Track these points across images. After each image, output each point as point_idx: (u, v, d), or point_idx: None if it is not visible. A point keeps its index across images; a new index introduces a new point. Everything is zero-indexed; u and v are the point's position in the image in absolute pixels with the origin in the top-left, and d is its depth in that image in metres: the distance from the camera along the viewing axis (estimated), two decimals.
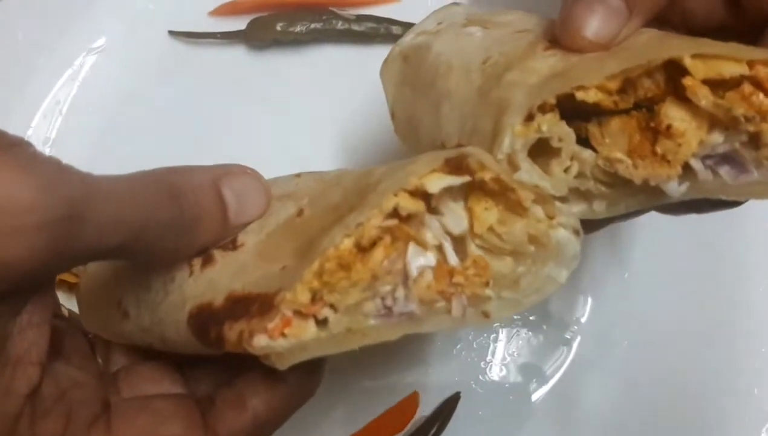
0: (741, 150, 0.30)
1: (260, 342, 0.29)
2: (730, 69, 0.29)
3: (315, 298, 0.30)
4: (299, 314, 0.30)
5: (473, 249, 0.31)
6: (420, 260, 0.31)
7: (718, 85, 0.30)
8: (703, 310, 0.57)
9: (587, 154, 0.31)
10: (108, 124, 0.62)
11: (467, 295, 0.31)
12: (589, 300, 0.58)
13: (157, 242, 0.31)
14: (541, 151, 0.32)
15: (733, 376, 0.55)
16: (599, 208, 0.32)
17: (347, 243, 0.29)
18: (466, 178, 0.30)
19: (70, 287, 0.55)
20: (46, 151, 0.61)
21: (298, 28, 0.62)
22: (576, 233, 0.31)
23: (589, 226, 0.33)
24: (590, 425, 0.56)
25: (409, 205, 0.29)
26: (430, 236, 0.31)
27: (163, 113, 0.62)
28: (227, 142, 0.61)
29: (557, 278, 0.32)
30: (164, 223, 0.31)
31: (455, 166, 0.30)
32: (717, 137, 0.30)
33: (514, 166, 0.31)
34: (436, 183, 0.29)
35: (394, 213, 0.30)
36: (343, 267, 0.30)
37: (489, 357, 0.57)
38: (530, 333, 0.58)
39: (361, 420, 0.55)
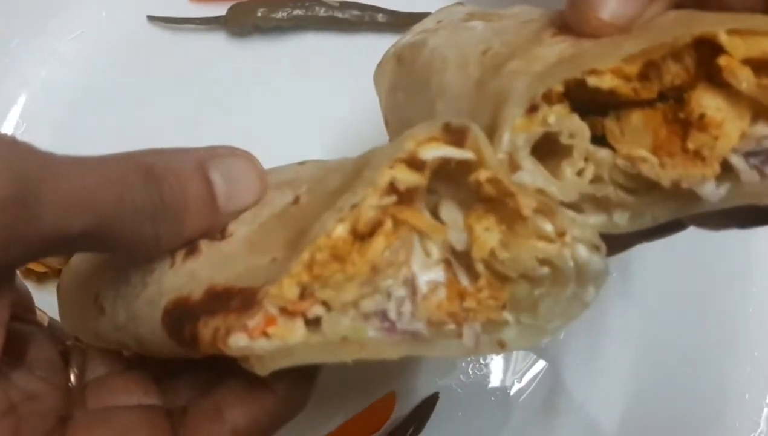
0: None
1: (238, 342, 0.25)
2: None
3: (304, 293, 0.26)
4: (286, 311, 0.26)
5: (481, 268, 0.27)
6: (429, 275, 0.27)
7: (761, 68, 0.25)
8: (691, 309, 0.55)
9: (604, 153, 0.26)
10: (86, 109, 0.61)
11: (481, 321, 0.27)
12: None
13: (132, 229, 0.27)
14: (548, 152, 0.27)
15: (723, 378, 0.54)
16: (621, 221, 0.27)
17: (341, 230, 0.25)
18: (467, 155, 0.25)
19: (39, 278, 0.53)
20: (21, 137, 0.59)
21: (279, 15, 0.60)
22: (595, 248, 0.26)
23: (613, 246, 0.28)
24: (573, 425, 0.54)
25: (406, 177, 0.25)
26: (435, 250, 0.27)
27: (141, 99, 0.61)
28: (207, 130, 0.59)
29: (584, 297, 0.27)
30: (139, 207, 0.27)
31: (456, 136, 0.25)
32: (763, 129, 0.24)
33: (515, 168, 0.26)
34: (432, 151, 0.25)
35: (392, 189, 0.25)
36: (337, 258, 0.25)
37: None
38: None
39: (334, 421, 0.53)
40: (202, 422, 0.30)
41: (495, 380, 0.55)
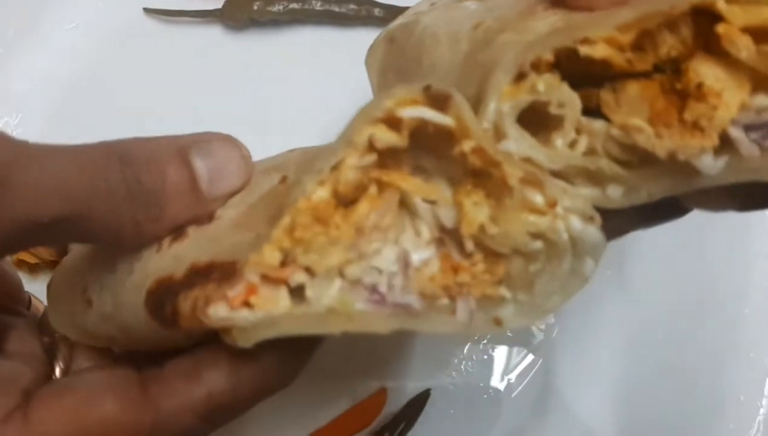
0: None
1: (218, 312, 0.24)
2: None
3: (287, 260, 0.25)
4: (268, 279, 0.24)
5: (471, 246, 0.26)
6: (421, 254, 0.26)
7: (760, 37, 0.24)
8: (687, 309, 0.54)
9: (598, 124, 0.25)
10: (81, 101, 0.60)
11: (475, 296, 0.26)
12: None
13: (109, 215, 0.27)
14: (540, 128, 0.26)
15: (718, 379, 0.52)
16: (615, 195, 0.25)
17: (322, 192, 0.24)
18: (446, 120, 0.24)
19: (31, 269, 0.53)
20: (15, 131, 0.60)
21: (275, 8, 0.60)
22: (589, 218, 0.25)
23: (609, 231, 0.27)
24: (565, 423, 0.53)
25: (385, 135, 0.24)
26: (425, 229, 0.26)
27: (137, 92, 0.60)
28: (202, 122, 0.58)
29: (582, 271, 0.25)
30: (115, 193, 0.27)
31: (437, 101, 0.24)
32: (763, 100, 0.23)
33: (501, 137, 0.25)
34: (411, 111, 0.24)
35: (372, 148, 0.24)
36: (319, 221, 0.24)
37: (461, 353, 0.54)
38: None
39: (325, 416, 0.52)
40: (177, 381, 0.28)
41: (487, 378, 0.54)
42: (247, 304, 0.25)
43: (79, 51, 0.61)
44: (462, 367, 0.54)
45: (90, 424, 0.28)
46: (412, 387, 0.53)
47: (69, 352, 0.35)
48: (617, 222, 0.29)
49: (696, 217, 0.31)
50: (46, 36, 0.61)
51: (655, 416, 0.52)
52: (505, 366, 0.54)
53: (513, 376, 0.54)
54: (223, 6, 0.61)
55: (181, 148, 0.29)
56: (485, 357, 0.54)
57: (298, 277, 0.25)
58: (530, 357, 0.54)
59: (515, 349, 0.54)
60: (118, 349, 0.36)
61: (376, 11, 0.61)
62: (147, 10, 0.62)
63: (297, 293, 0.25)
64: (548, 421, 0.53)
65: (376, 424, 0.52)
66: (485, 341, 0.54)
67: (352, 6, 0.60)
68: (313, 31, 0.62)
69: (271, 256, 0.24)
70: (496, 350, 0.54)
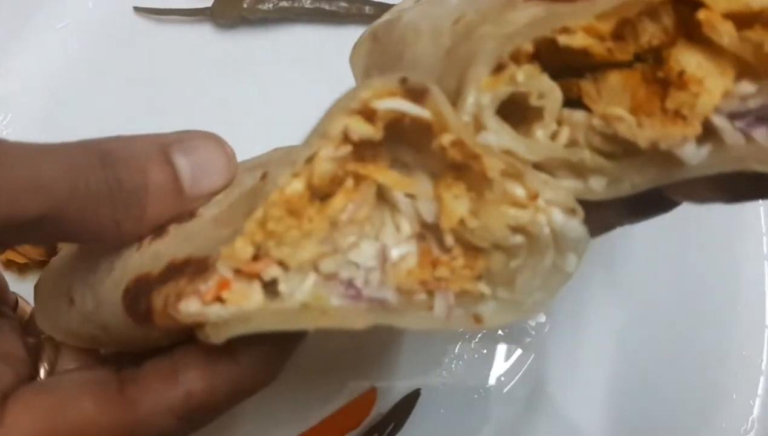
0: None
1: (189, 307, 0.24)
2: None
3: (259, 254, 0.24)
4: (240, 273, 0.24)
5: (451, 241, 0.25)
6: (401, 248, 0.26)
7: (742, 22, 0.23)
8: (679, 307, 0.53)
9: (580, 115, 0.25)
10: (71, 100, 0.60)
11: (454, 291, 0.25)
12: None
13: (89, 214, 0.27)
14: (521, 121, 0.26)
15: (710, 378, 0.52)
16: (598, 186, 0.25)
17: (297, 185, 0.24)
18: (422, 112, 0.24)
19: (20, 269, 0.53)
20: (5, 131, 0.60)
21: (265, 6, 0.60)
22: (572, 211, 0.24)
23: (596, 225, 0.26)
24: (556, 422, 0.52)
25: (360, 127, 0.24)
26: (406, 224, 0.26)
27: (127, 90, 0.60)
28: (192, 121, 0.57)
29: (564, 267, 0.25)
30: (95, 192, 0.26)
31: (414, 93, 0.24)
32: (747, 87, 0.23)
33: (480, 129, 0.24)
34: (386, 102, 0.24)
35: (347, 140, 0.24)
36: (292, 213, 0.24)
37: (452, 352, 0.54)
38: None
39: (314, 416, 0.52)
40: (155, 383, 0.28)
41: (478, 377, 0.53)
42: (219, 299, 0.24)
43: (69, 50, 0.61)
44: (453, 366, 0.54)
45: (66, 425, 0.28)
46: (402, 387, 0.53)
47: (54, 353, 0.35)
48: (603, 216, 0.28)
49: (687, 214, 0.31)
50: (37, 35, 0.61)
51: (647, 414, 0.52)
52: (495, 365, 0.53)
53: (504, 375, 0.53)
54: (213, 4, 0.61)
55: (164, 147, 0.29)
56: (476, 356, 0.54)
57: (271, 271, 0.24)
58: (521, 356, 0.54)
59: (506, 348, 0.54)
60: (104, 350, 0.36)
61: (367, 9, 0.60)
62: (137, 9, 0.62)
63: (271, 288, 0.25)
64: (539, 420, 0.52)
65: (365, 424, 0.52)
66: (476, 340, 0.54)
67: (343, 4, 0.60)
68: (303, 29, 0.62)
69: (243, 249, 0.24)
70: (486, 349, 0.54)
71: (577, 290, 0.54)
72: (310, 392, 0.52)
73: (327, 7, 0.60)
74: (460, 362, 0.54)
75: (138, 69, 0.61)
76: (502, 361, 0.54)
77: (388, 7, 0.61)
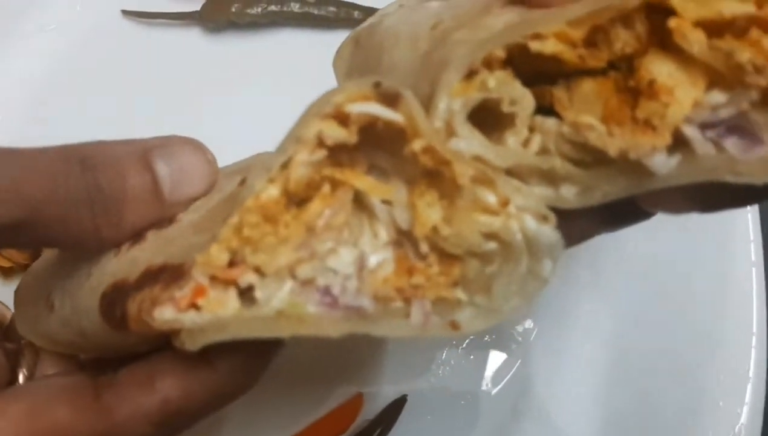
0: (752, 114, 0.23)
1: (164, 314, 0.24)
2: (732, 7, 0.22)
3: (235, 260, 0.24)
4: (216, 280, 0.24)
5: (426, 248, 0.25)
6: (378, 255, 0.26)
7: (714, 31, 0.23)
8: (666, 314, 0.53)
9: (551, 122, 0.24)
10: (59, 103, 0.60)
11: (430, 298, 0.25)
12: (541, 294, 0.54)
13: (68, 220, 0.26)
14: (494, 128, 0.26)
15: (697, 385, 0.52)
16: (568, 195, 0.25)
17: (272, 191, 0.24)
18: (395, 116, 0.24)
19: (5, 273, 0.53)
20: None
21: (254, 10, 0.60)
22: (543, 218, 0.24)
23: (573, 234, 0.26)
24: (543, 428, 0.52)
25: (334, 131, 0.24)
26: (383, 231, 0.26)
27: (115, 94, 0.60)
28: (180, 125, 0.58)
29: (540, 273, 0.25)
30: (74, 198, 0.26)
31: (388, 98, 0.24)
32: (718, 96, 0.23)
33: (452, 135, 0.24)
34: (359, 106, 0.24)
35: (321, 144, 0.24)
36: (268, 220, 0.24)
37: (439, 358, 0.54)
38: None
39: (300, 422, 0.51)
40: (131, 389, 0.28)
41: (465, 383, 0.53)
42: (194, 306, 0.24)
43: (58, 53, 0.61)
44: (440, 372, 0.53)
45: (41, 432, 0.27)
46: (388, 392, 0.52)
47: (34, 359, 0.35)
48: (580, 225, 0.28)
49: (674, 220, 0.31)
50: (25, 38, 0.61)
51: (634, 421, 0.51)
52: (482, 371, 0.53)
53: (491, 381, 0.53)
54: (202, 8, 0.61)
55: (144, 152, 0.29)
56: (463, 362, 0.53)
57: (248, 277, 0.24)
58: (508, 362, 0.53)
59: (493, 353, 0.53)
60: (83, 356, 0.35)
61: (356, 14, 0.60)
62: (125, 12, 0.62)
63: (247, 295, 0.25)
64: (526, 426, 0.52)
65: (351, 430, 0.51)
66: (463, 346, 0.54)
67: (332, 8, 0.60)
68: (292, 33, 0.62)
69: (218, 256, 0.24)
70: (473, 355, 0.53)
71: (564, 296, 0.54)
72: (296, 397, 0.52)
73: (316, 11, 0.60)
74: (447, 368, 0.54)
75: (126, 73, 0.60)
76: (489, 367, 0.53)
77: (376, 11, 0.62)
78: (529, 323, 0.54)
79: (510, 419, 0.53)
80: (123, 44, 0.62)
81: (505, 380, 0.53)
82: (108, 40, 0.62)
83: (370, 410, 0.52)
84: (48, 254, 0.37)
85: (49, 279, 0.34)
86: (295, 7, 0.60)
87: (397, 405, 0.52)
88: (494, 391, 0.53)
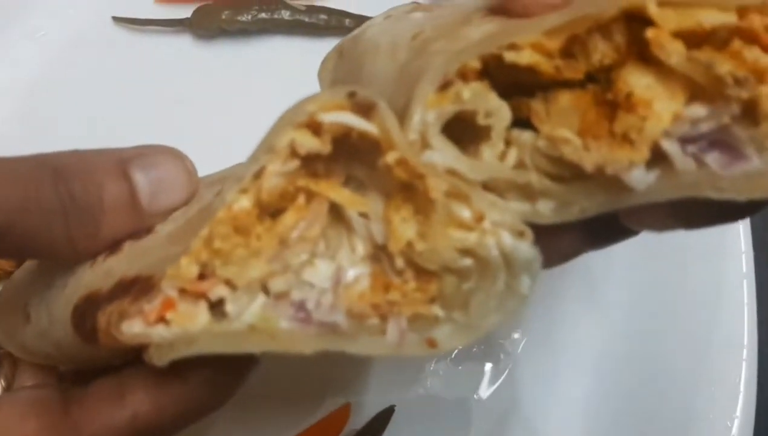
0: (733, 128, 0.22)
1: (132, 328, 0.23)
2: (713, 17, 0.22)
3: (206, 273, 0.24)
4: (186, 293, 0.24)
5: (401, 263, 0.25)
6: (355, 270, 0.25)
7: (697, 44, 0.22)
8: (656, 326, 0.52)
9: (527, 135, 0.24)
10: (50, 110, 0.59)
11: (407, 316, 0.24)
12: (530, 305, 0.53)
13: (42, 230, 0.26)
14: (472, 138, 0.25)
15: (687, 398, 0.50)
16: (545, 210, 0.24)
17: (245, 202, 0.23)
18: (368, 127, 0.23)
19: None
20: None
21: (244, 18, 0.59)
22: (519, 234, 0.23)
23: (555, 254, 0.26)
24: None
25: (307, 141, 0.23)
26: (360, 245, 0.25)
27: (105, 101, 0.59)
28: (171, 132, 0.57)
29: (518, 289, 0.24)
30: (47, 207, 0.26)
31: (362, 108, 0.23)
32: (698, 110, 0.22)
33: (426, 148, 0.24)
34: (332, 115, 0.23)
35: (294, 154, 0.24)
36: (239, 231, 0.24)
37: (427, 368, 0.52)
38: None
39: (287, 433, 0.50)
40: (101, 404, 0.27)
41: (453, 394, 0.52)
42: (163, 320, 0.24)
43: (49, 59, 0.61)
44: (428, 382, 0.53)
45: None
46: (376, 403, 0.51)
47: (12, 370, 0.34)
48: (562, 244, 0.27)
49: (666, 233, 0.30)
50: (15, 44, 0.61)
51: (623, 434, 0.51)
52: (471, 382, 0.52)
53: (479, 391, 0.52)
54: (192, 15, 0.60)
55: (122, 162, 0.28)
56: (451, 373, 0.52)
57: (218, 290, 0.24)
58: (497, 372, 0.52)
59: (482, 364, 0.53)
60: (63, 367, 0.35)
61: (347, 22, 0.60)
62: (116, 19, 0.61)
63: (218, 308, 0.24)
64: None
65: None
66: (452, 357, 0.53)
67: (322, 16, 0.60)
68: (282, 41, 0.61)
69: (188, 268, 0.24)
70: (462, 365, 0.53)
71: (553, 307, 0.53)
72: (283, 407, 0.51)
73: (306, 19, 0.60)
74: (436, 378, 0.53)
75: (117, 80, 0.60)
76: (477, 377, 0.53)
77: (368, 19, 0.61)
78: (517, 334, 0.53)
79: (498, 430, 0.52)
80: (113, 51, 0.61)
81: (494, 390, 0.52)
82: (98, 46, 0.61)
83: (358, 421, 0.51)
84: (29, 264, 0.36)
85: (27, 289, 0.33)
86: (286, 15, 0.59)
87: (385, 416, 0.51)
88: (482, 402, 0.52)
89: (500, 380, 0.52)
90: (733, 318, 0.51)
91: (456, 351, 0.53)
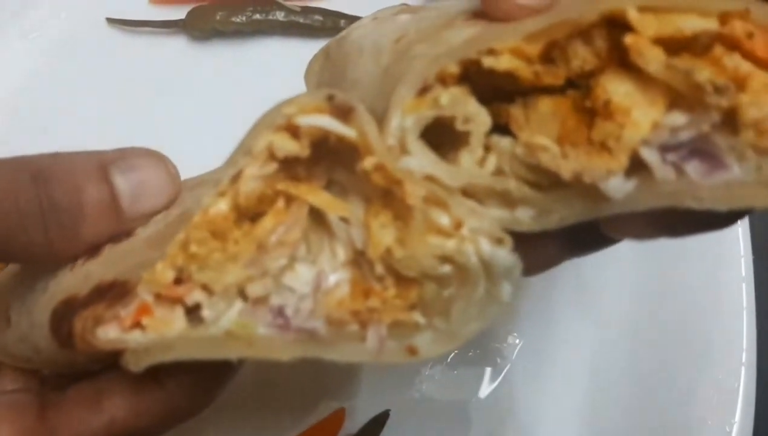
0: (713, 136, 0.22)
1: (107, 334, 0.23)
2: (693, 24, 0.21)
3: (182, 277, 0.24)
4: (162, 298, 0.23)
5: (380, 270, 0.25)
6: (336, 275, 0.25)
7: (675, 49, 0.22)
8: (654, 331, 0.52)
9: (506, 142, 0.24)
10: (44, 111, 0.59)
11: (386, 322, 0.24)
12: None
13: (19, 233, 0.26)
14: (453, 143, 0.25)
15: (685, 403, 0.50)
16: (525, 217, 0.24)
17: (222, 206, 0.23)
18: (346, 131, 0.23)
19: None
20: None
21: (238, 19, 0.59)
22: (498, 241, 0.23)
23: (536, 263, 0.26)
24: None
25: (285, 144, 0.23)
26: (341, 250, 0.25)
27: (100, 101, 0.59)
28: (165, 133, 0.56)
29: (498, 296, 0.24)
30: (25, 211, 0.26)
31: (340, 111, 0.23)
32: (678, 118, 0.21)
33: (404, 153, 0.23)
34: (310, 119, 0.23)
35: (272, 157, 0.24)
36: (216, 236, 0.23)
37: (423, 373, 0.52)
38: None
39: None
40: (78, 409, 0.27)
41: (448, 398, 0.52)
42: (138, 325, 0.24)
43: (42, 60, 0.61)
44: (423, 387, 0.52)
45: None
46: (370, 407, 0.51)
47: None
48: (543, 251, 0.27)
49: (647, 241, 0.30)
50: (8, 45, 0.61)
51: (613, 421, 0.50)
52: (467, 386, 0.52)
53: (474, 396, 0.52)
54: (187, 16, 0.60)
55: (103, 165, 0.28)
56: (447, 377, 0.52)
57: (195, 295, 0.24)
58: (492, 376, 0.52)
59: (477, 368, 0.52)
60: (46, 371, 0.35)
61: (342, 23, 0.59)
62: (110, 20, 0.61)
63: (194, 314, 0.24)
64: None
65: None
66: (447, 361, 0.53)
67: (317, 17, 0.60)
68: (277, 42, 0.61)
69: (164, 273, 0.23)
70: (457, 370, 0.52)
71: (549, 311, 0.53)
72: (277, 412, 0.51)
73: (301, 20, 0.59)
74: (431, 383, 0.52)
75: (111, 81, 0.60)
76: (473, 381, 0.52)
77: None
78: (513, 338, 0.53)
79: (494, 433, 0.51)
80: (107, 52, 0.61)
81: (489, 394, 0.52)
82: (92, 48, 0.61)
83: (352, 425, 0.51)
84: (12, 267, 0.36)
85: (9, 293, 0.33)
86: (281, 16, 0.59)
87: (380, 420, 0.51)
88: (478, 406, 0.52)
89: (496, 384, 0.52)
90: (732, 322, 0.50)
91: (451, 355, 0.53)
